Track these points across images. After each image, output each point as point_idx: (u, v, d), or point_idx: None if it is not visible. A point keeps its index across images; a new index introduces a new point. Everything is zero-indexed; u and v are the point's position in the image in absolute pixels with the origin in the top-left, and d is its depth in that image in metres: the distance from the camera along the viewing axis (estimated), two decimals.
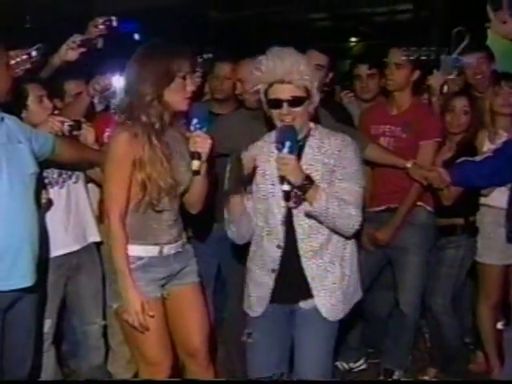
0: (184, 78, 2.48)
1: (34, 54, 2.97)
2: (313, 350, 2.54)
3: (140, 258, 2.51)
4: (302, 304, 2.55)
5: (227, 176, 2.54)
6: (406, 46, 3.45)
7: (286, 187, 2.38)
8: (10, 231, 2.45)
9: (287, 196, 2.42)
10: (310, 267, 2.52)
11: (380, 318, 3.66)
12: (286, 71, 2.40)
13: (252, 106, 3.12)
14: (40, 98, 2.93)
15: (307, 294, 2.54)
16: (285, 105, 2.43)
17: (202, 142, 2.44)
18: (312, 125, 2.58)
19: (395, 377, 3.54)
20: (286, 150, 2.37)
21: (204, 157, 2.46)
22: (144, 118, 2.44)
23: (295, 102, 2.43)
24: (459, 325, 3.55)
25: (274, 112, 2.46)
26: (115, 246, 2.45)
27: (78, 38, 3.15)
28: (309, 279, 2.52)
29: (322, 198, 2.40)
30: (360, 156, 2.63)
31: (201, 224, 3.30)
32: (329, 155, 2.50)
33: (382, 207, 3.43)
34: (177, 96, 2.47)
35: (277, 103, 2.44)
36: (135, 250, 2.51)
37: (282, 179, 2.39)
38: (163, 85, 2.44)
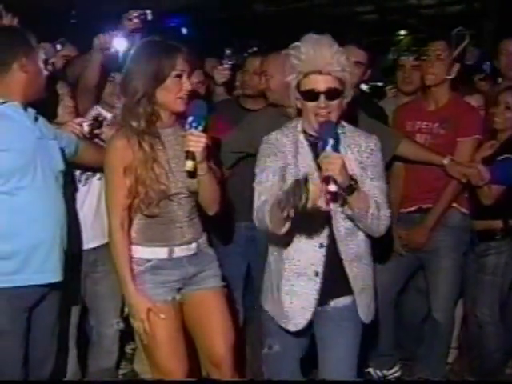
0: (179, 76, 2.39)
1: (58, 47, 2.95)
2: (344, 350, 2.43)
3: (148, 260, 2.45)
4: (333, 303, 2.43)
5: (288, 190, 2.15)
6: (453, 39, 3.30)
7: (334, 188, 2.15)
8: (44, 225, 2.45)
9: (334, 198, 2.20)
10: (352, 269, 2.40)
11: (414, 324, 3.54)
12: (327, 61, 2.24)
13: (275, 101, 3.02)
14: (61, 96, 2.89)
15: (341, 293, 2.42)
16: (321, 97, 2.26)
17: (195, 141, 2.32)
18: (343, 122, 2.44)
19: None
20: (329, 148, 2.18)
21: (199, 157, 2.34)
22: (132, 121, 2.38)
23: (333, 94, 2.27)
24: (505, 335, 3.38)
25: (309, 104, 2.29)
26: (116, 252, 2.41)
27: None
28: (351, 281, 2.40)
29: (366, 199, 2.28)
30: (389, 153, 2.50)
31: (229, 224, 3.26)
32: (361, 153, 2.38)
33: (414, 207, 3.29)
34: (170, 95, 2.39)
35: (313, 95, 2.28)
36: (143, 251, 2.46)
37: (328, 179, 2.15)
38: (154, 83, 2.37)
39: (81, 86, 3.07)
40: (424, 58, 3.32)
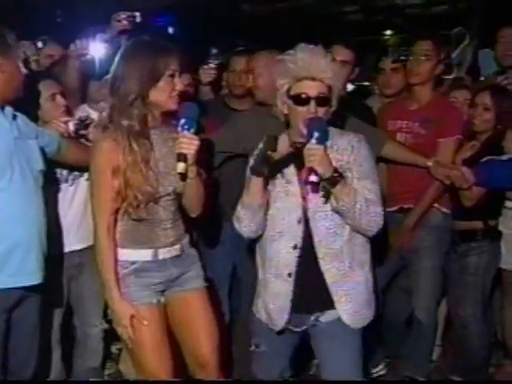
0: (172, 76, 2.38)
1: (40, 45, 2.91)
2: (342, 364, 2.42)
3: (133, 263, 2.44)
4: (323, 318, 2.42)
5: (255, 154, 2.38)
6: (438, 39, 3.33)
7: (314, 178, 2.22)
8: (20, 227, 2.42)
9: (315, 188, 2.27)
10: (330, 271, 2.38)
11: (399, 323, 3.56)
12: (321, 69, 2.30)
13: (263, 100, 3.04)
14: (53, 95, 2.87)
15: (328, 302, 2.39)
16: (312, 102, 2.31)
17: (187, 144, 2.31)
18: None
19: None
20: (313, 141, 2.24)
21: (191, 159, 2.33)
22: (125, 121, 2.35)
23: (322, 100, 2.32)
24: (488, 334, 3.41)
25: (299, 109, 2.33)
26: (102, 257, 2.39)
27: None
28: (328, 284, 2.38)
29: (351, 193, 2.28)
30: (374, 153, 2.51)
31: (215, 224, 3.26)
32: (341, 152, 2.39)
33: (396, 207, 3.30)
34: (164, 95, 2.37)
35: (304, 100, 2.32)
36: (128, 254, 2.44)
37: (310, 171, 2.23)
38: (149, 83, 2.35)
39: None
40: (404, 59, 3.35)
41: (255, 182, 2.33)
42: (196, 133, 2.35)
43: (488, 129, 3.25)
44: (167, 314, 2.54)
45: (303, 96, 2.32)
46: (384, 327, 3.53)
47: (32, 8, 6.23)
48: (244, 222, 2.42)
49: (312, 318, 2.43)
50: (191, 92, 3.44)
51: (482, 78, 4.11)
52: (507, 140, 3.20)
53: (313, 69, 2.30)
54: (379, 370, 3.59)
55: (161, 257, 2.47)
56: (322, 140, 2.26)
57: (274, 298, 2.43)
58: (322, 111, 2.32)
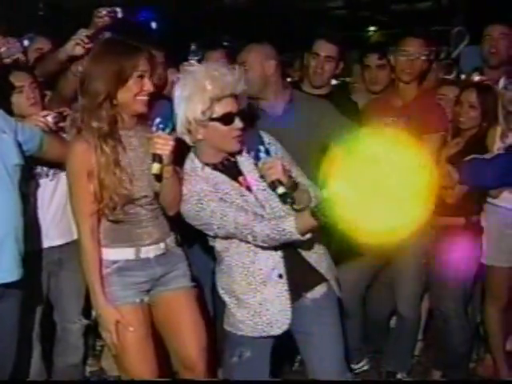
0: (141, 77, 2.34)
1: (26, 43, 2.87)
2: (329, 339, 2.46)
3: (115, 262, 2.41)
4: (310, 295, 2.44)
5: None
6: (423, 35, 3.32)
7: (282, 190, 2.25)
8: None
9: (285, 198, 2.27)
10: (311, 256, 2.43)
11: (382, 319, 3.57)
12: (237, 82, 2.29)
13: (253, 94, 3.02)
14: (20, 88, 2.82)
15: (314, 281, 2.45)
16: (237, 119, 2.30)
17: (162, 144, 2.26)
18: None
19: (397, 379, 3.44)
20: (263, 155, 2.28)
21: (166, 159, 2.28)
22: (94, 123, 2.31)
23: (243, 114, 2.32)
24: (469, 329, 3.43)
25: (226, 129, 2.29)
26: (87, 260, 2.37)
27: (85, 32, 2.99)
28: (316, 266, 2.43)
29: (305, 190, 2.34)
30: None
31: None
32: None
33: None
34: (131, 96, 2.33)
35: (229, 118, 2.28)
36: (110, 253, 2.41)
37: (273, 184, 2.26)
38: (116, 84, 2.30)
39: (56, 95, 3.01)
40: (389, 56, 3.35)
41: None
42: (171, 132, 2.30)
43: (473, 126, 3.26)
44: (152, 314, 2.51)
45: (228, 114, 2.28)
46: (367, 323, 3.55)
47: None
48: None
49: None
50: (168, 89, 3.41)
51: (463, 76, 4.11)
52: (490, 138, 3.22)
53: (230, 84, 2.27)
54: (362, 366, 3.60)
55: (144, 255, 2.45)
56: (269, 151, 2.31)
57: (269, 304, 2.38)
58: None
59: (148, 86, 2.35)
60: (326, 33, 3.69)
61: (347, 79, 4.75)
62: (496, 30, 3.68)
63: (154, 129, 2.30)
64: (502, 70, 3.59)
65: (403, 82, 3.29)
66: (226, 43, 4.50)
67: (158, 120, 2.29)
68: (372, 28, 9.32)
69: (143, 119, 2.42)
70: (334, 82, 3.87)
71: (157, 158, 2.27)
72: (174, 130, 2.32)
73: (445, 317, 3.34)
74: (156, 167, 2.26)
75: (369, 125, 3.29)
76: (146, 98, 2.36)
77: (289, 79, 4.15)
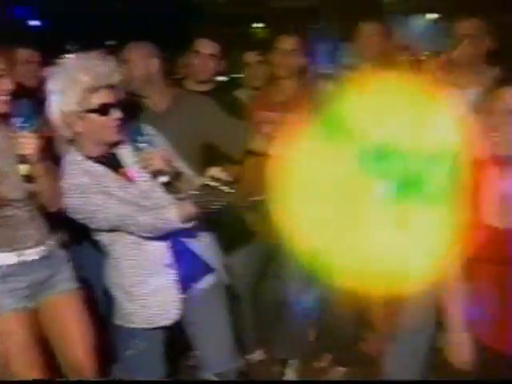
0: None
1: None
2: (218, 326, 2.54)
3: None
4: (197, 285, 2.49)
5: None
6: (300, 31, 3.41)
7: (165, 179, 2.32)
8: None
9: (168, 188, 2.36)
10: (198, 246, 2.47)
11: (274, 308, 3.63)
12: (112, 73, 2.28)
13: (138, 92, 3.08)
14: None
15: (202, 273, 2.51)
16: (114, 109, 2.29)
17: (26, 144, 2.22)
18: None
19: (289, 366, 3.53)
20: (144, 145, 2.32)
21: (32, 159, 2.24)
22: None
23: (121, 105, 2.33)
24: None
25: (103, 119, 2.28)
26: None
27: None
28: (202, 256, 2.48)
29: (189, 175, 2.42)
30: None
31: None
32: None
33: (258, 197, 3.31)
34: None
35: (107, 109, 2.27)
36: None
37: (155, 174, 2.32)
38: None
39: None
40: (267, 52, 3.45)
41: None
42: (35, 130, 2.25)
43: None
44: (39, 319, 2.46)
45: (105, 105, 2.27)
46: (258, 313, 3.64)
47: None
48: None
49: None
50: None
51: None
52: None
53: (107, 75, 2.26)
54: (257, 356, 3.68)
55: (25, 259, 2.39)
56: (150, 141, 2.35)
57: (158, 294, 2.41)
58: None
59: (6, 85, 2.28)
60: (209, 30, 3.74)
61: (231, 76, 4.83)
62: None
63: (16, 129, 2.24)
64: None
65: (278, 77, 3.40)
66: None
67: (20, 120, 2.23)
68: (255, 25, 9.48)
69: (6, 119, 2.34)
70: (219, 78, 3.92)
71: (23, 159, 2.22)
72: (36, 128, 2.26)
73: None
74: (24, 168, 2.23)
75: (251, 120, 3.38)
76: (4, 97, 2.28)
77: (172, 77, 4.15)
